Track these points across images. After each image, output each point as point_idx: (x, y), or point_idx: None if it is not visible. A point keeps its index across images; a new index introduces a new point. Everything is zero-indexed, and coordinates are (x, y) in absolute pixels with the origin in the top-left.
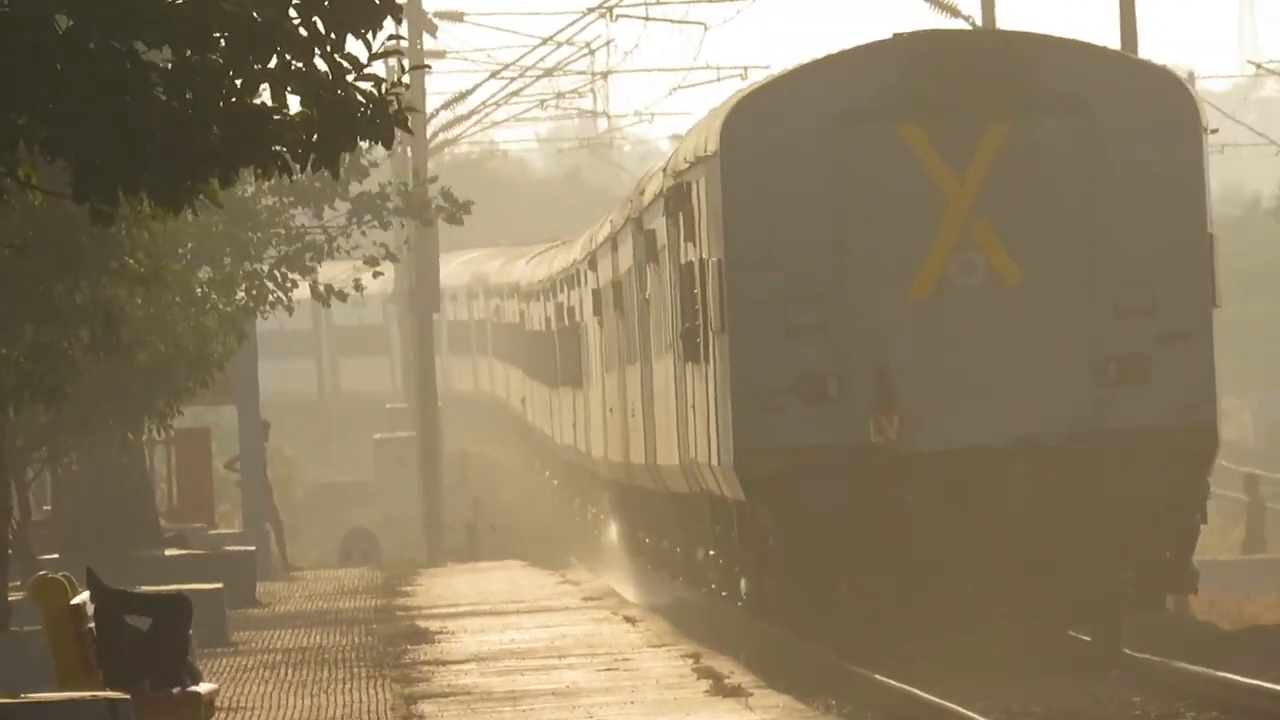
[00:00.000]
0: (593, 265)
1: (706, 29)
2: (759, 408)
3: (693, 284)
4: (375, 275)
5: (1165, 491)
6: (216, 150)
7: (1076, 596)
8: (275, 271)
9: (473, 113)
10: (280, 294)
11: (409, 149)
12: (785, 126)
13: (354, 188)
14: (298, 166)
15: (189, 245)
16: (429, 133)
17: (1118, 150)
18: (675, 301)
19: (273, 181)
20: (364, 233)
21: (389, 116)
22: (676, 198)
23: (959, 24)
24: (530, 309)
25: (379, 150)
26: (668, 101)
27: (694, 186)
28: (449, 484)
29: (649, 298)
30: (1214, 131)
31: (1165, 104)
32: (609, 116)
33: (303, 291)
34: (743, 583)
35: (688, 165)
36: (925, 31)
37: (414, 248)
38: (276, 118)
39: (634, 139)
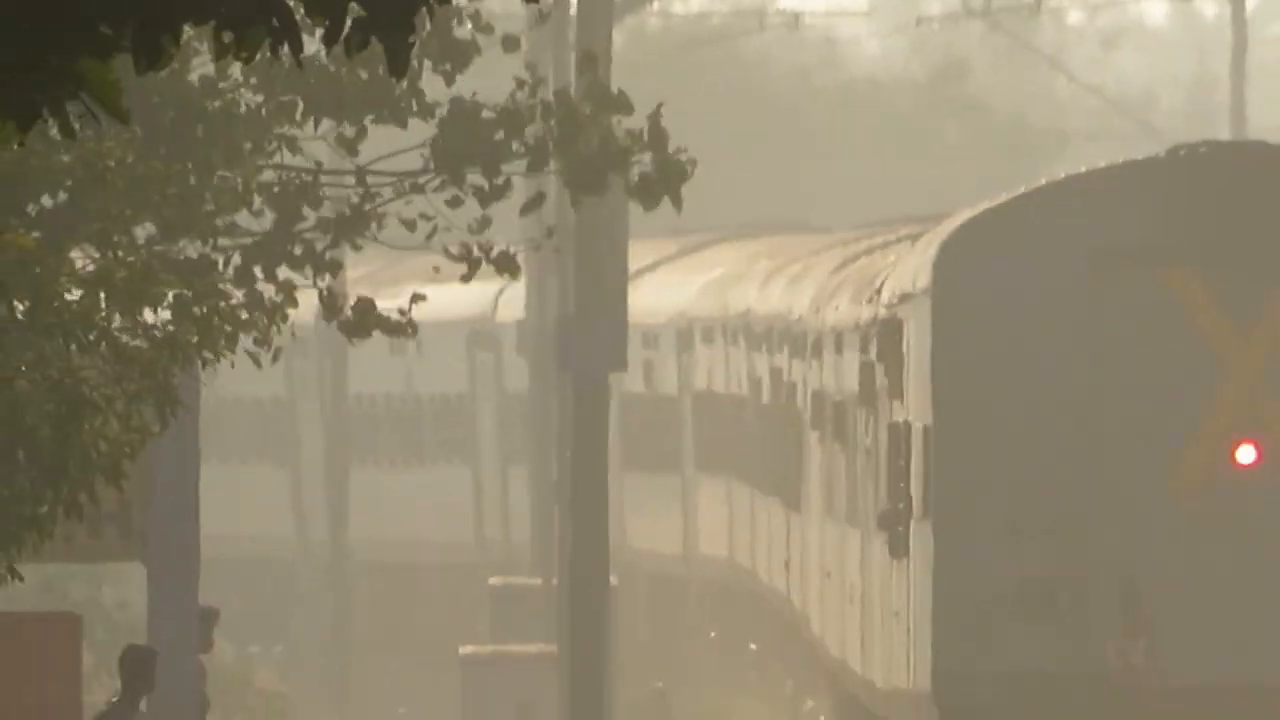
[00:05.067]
0: (817, 351)
1: None
2: (968, 621)
3: (898, 453)
4: (464, 277)
5: None
6: None
7: None
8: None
9: None
10: (281, 309)
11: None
12: (1020, 263)
13: (439, 91)
14: (312, 31)
15: (51, 200)
16: None
17: None
18: (880, 472)
19: (245, 61)
20: (465, 194)
21: None
22: (886, 336)
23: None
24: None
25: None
26: None
27: (905, 326)
28: None
29: (869, 449)
30: None
31: None
32: None
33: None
34: None
35: (898, 298)
36: (1210, 146)
37: (573, 233)
38: None
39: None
